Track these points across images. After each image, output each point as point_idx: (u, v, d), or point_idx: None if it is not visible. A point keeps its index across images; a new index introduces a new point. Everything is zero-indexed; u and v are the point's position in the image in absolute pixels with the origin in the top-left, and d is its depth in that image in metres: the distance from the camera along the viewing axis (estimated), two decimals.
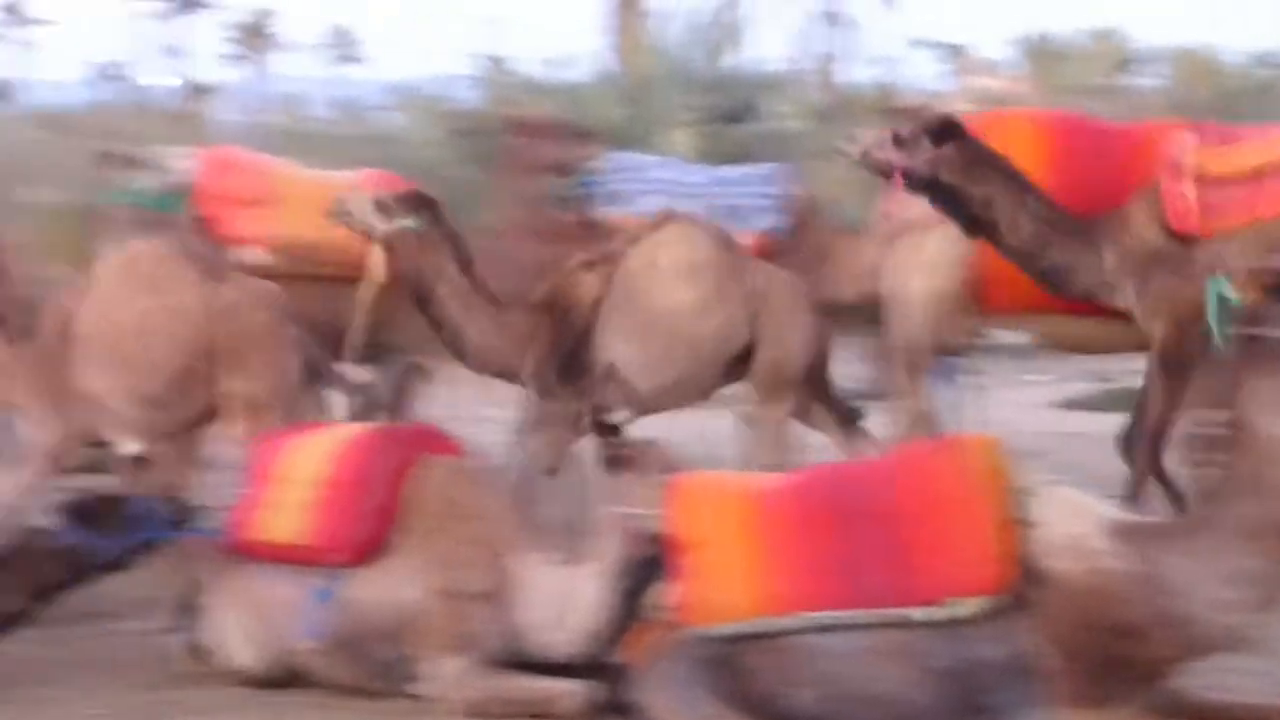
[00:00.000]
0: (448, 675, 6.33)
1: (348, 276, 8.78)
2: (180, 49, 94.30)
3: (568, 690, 6.22)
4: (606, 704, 6.15)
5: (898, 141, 7.80)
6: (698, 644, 5.79)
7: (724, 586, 5.77)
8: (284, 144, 9.86)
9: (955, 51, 52.55)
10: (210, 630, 6.78)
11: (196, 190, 9.25)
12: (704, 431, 8.93)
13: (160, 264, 7.83)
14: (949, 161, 7.74)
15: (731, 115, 17.39)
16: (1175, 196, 7.54)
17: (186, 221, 9.13)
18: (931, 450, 6.13)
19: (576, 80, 19.21)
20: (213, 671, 6.77)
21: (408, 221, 8.10)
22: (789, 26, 62.20)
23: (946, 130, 7.79)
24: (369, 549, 6.51)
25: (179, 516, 6.89)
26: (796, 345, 8.25)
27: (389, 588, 6.46)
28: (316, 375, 8.07)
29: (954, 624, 5.62)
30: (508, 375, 8.34)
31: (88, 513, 6.72)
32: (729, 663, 5.76)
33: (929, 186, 7.82)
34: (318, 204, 8.55)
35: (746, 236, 8.88)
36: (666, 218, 8.40)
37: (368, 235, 8.25)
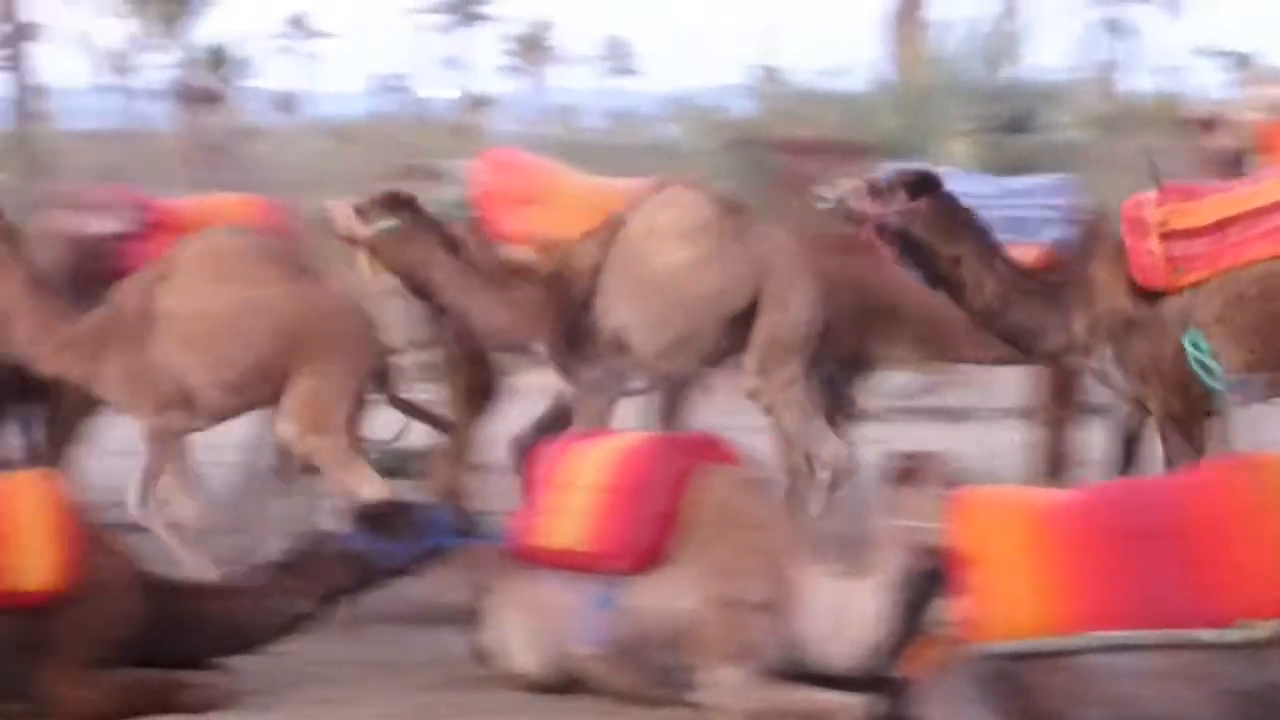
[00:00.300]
0: (726, 684, 6.33)
1: None
2: (459, 61, 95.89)
3: (846, 704, 6.18)
4: (885, 719, 6.10)
5: (873, 191, 7.68)
6: (981, 661, 5.71)
7: (1009, 603, 5.68)
8: (559, 155, 9.92)
9: (1241, 60, 51.37)
10: (492, 634, 6.86)
11: (476, 190, 9.39)
12: (986, 444, 8.84)
13: (244, 258, 7.97)
14: (921, 216, 7.61)
15: (1011, 125, 17.16)
16: (1140, 252, 7.42)
17: (467, 222, 9.28)
18: (1224, 469, 5.98)
19: (852, 90, 19.12)
20: (494, 675, 6.86)
21: (387, 222, 8.17)
22: (1069, 35, 61.43)
23: (923, 184, 7.68)
24: (649, 557, 6.53)
25: (465, 524, 6.99)
26: (798, 309, 8.06)
27: (668, 595, 6.48)
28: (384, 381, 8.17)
29: (1247, 646, 5.48)
30: (520, 349, 8.37)
31: (376, 518, 6.84)
32: (1012, 681, 5.68)
33: (899, 239, 7.68)
34: (586, 206, 8.63)
35: (1032, 249, 8.70)
36: (667, 183, 8.32)
37: (351, 241, 8.30)
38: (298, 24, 78.60)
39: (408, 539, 6.77)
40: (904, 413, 11.94)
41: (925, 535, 6.06)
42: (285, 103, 70.42)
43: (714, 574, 6.40)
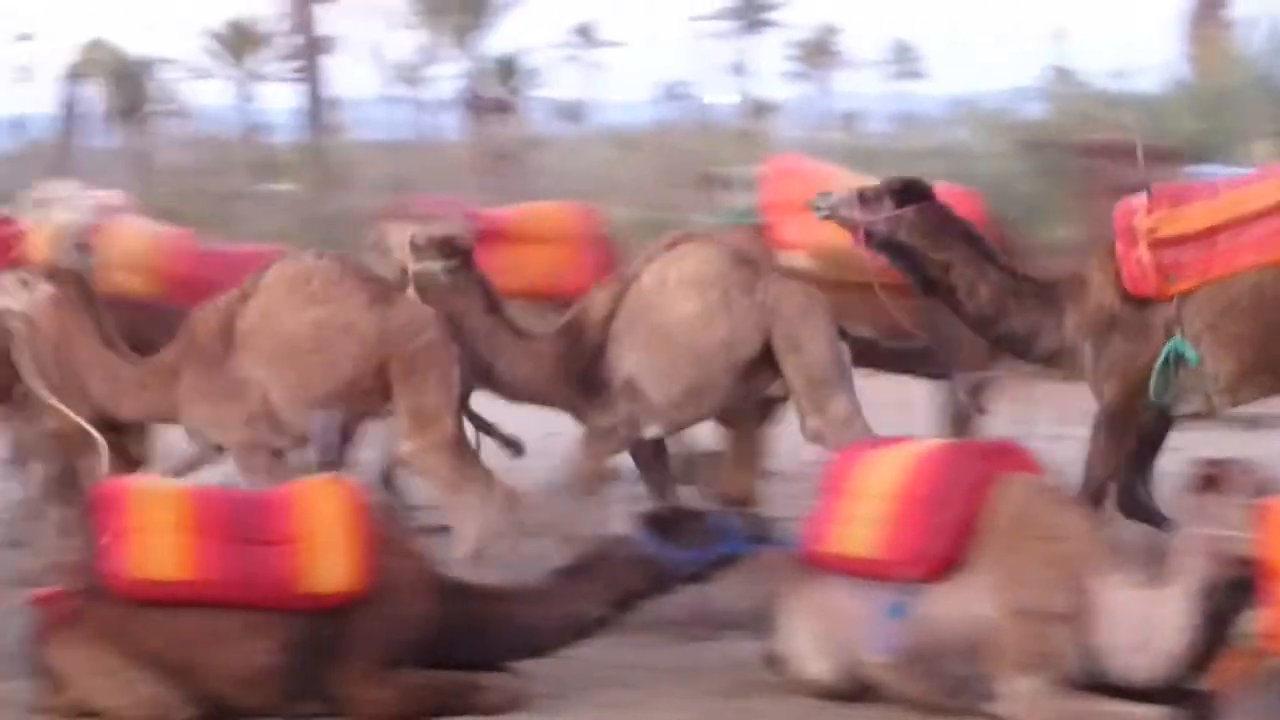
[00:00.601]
0: (1024, 695, 6.20)
1: (891, 284, 8.66)
2: (744, 67, 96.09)
3: (1150, 716, 6.02)
4: None
5: (863, 200, 7.90)
6: None
7: None
8: (844, 160, 9.86)
9: None
10: (783, 640, 6.81)
11: (761, 197, 9.39)
12: None
13: (332, 281, 8.02)
14: (909, 223, 7.82)
15: None
16: (1130, 260, 7.51)
17: (753, 229, 9.27)
18: None
19: (1146, 92, 18.73)
20: (785, 681, 6.81)
21: (434, 265, 8.23)
22: None
23: (910, 192, 7.89)
24: (944, 565, 6.42)
25: (756, 530, 6.95)
26: (813, 348, 8.10)
27: (964, 604, 6.37)
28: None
29: None
30: (543, 401, 8.43)
31: (669, 525, 6.83)
32: None
33: (888, 246, 7.88)
34: None
35: None
36: (681, 238, 8.43)
37: (403, 269, 8.46)
38: (584, 34, 79.43)
39: (699, 545, 6.75)
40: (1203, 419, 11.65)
41: (1231, 544, 5.87)
42: (571, 112, 71.18)
43: (1011, 583, 6.28)
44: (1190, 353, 7.51)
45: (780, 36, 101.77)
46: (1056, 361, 7.91)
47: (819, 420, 8.08)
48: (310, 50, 36.86)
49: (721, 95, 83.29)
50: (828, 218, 8.05)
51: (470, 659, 6.73)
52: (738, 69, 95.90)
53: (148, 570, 6.43)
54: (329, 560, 6.49)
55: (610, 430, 8.25)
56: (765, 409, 9.12)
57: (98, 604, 6.48)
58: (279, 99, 48.76)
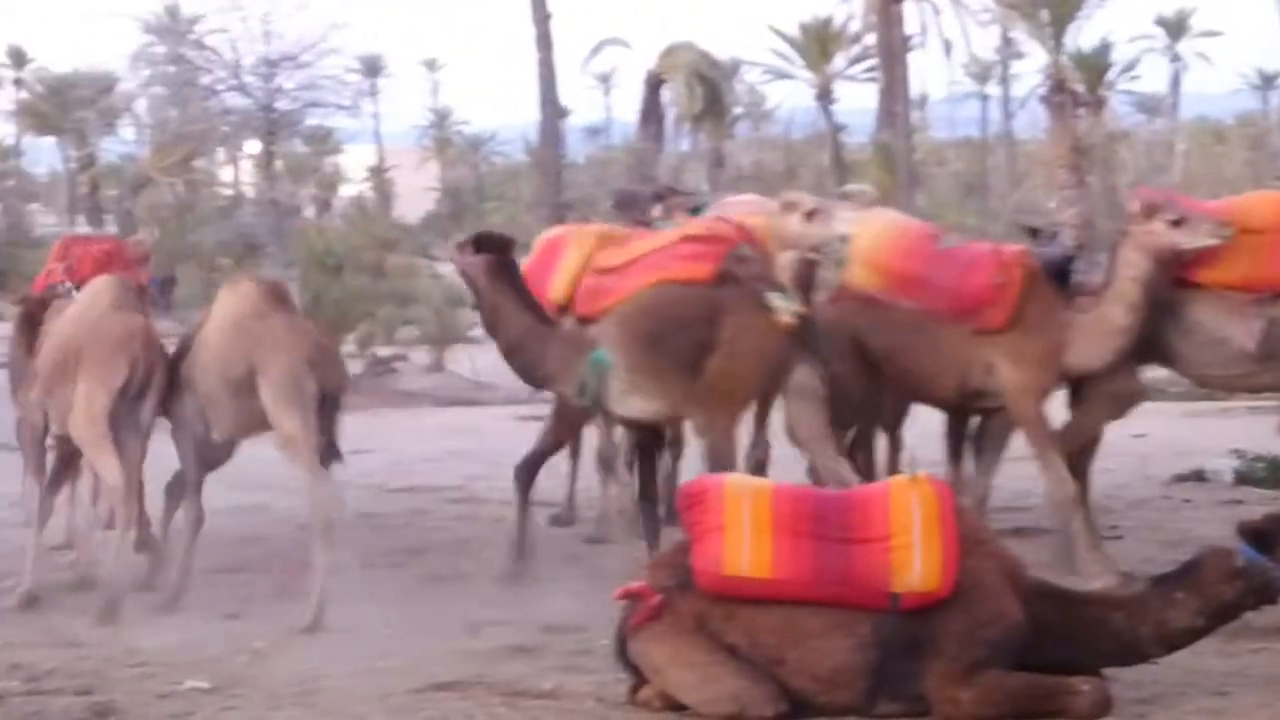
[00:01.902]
0: None
1: None
2: None
3: None
4: None
5: (458, 246, 9.93)
6: None
7: None
8: None
9: None
10: None
11: None
12: None
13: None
14: (477, 268, 9.69)
15: None
16: (583, 286, 9.62)
17: None
18: None
19: None
20: None
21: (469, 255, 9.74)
22: None
23: (485, 244, 9.74)
24: None
25: None
26: (276, 366, 9.08)
27: None
28: None
29: None
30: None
31: (1270, 536, 6.54)
32: None
33: (468, 284, 9.88)
34: None
35: None
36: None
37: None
38: (1172, 24, 77.32)
39: None
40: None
41: None
42: (1154, 105, 69.41)
43: None
44: (605, 360, 9.28)
45: None
46: (549, 385, 9.86)
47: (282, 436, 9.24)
48: (889, 49, 36.90)
49: None
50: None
51: (1059, 662, 6.57)
52: None
53: (736, 567, 6.46)
54: (919, 560, 6.41)
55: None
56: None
57: (684, 599, 6.55)
58: (858, 99, 49.01)
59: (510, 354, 9.70)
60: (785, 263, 9.66)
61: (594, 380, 9.29)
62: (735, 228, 9.50)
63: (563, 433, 10.52)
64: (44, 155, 65.59)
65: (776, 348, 9.11)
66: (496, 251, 9.68)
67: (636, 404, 9.33)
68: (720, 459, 9.05)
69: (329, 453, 9.38)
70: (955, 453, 10.21)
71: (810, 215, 9.62)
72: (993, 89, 65.83)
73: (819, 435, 9.26)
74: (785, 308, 9.02)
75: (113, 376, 9.17)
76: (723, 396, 9.18)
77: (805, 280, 9.66)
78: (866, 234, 9.64)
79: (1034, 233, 12.63)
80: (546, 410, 10.79)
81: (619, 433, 11.24)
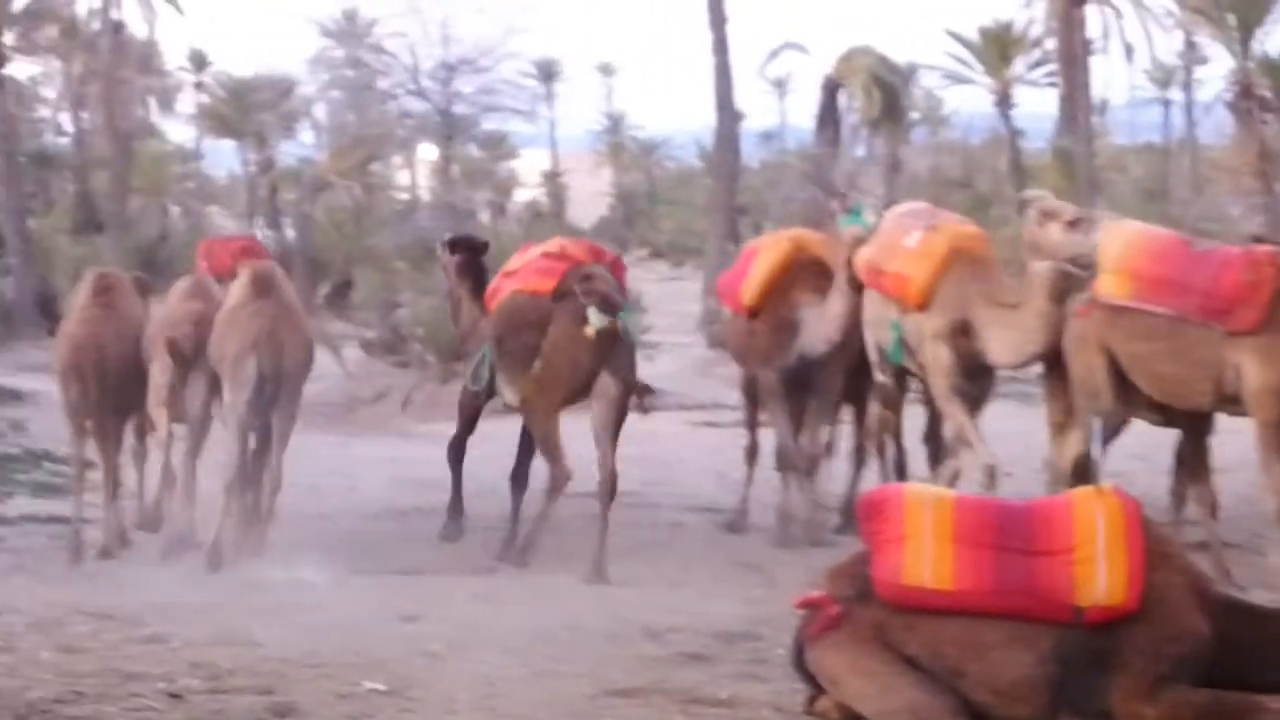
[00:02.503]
0: None
1: None
2: None
3: None
4: None
5: (442, 245, 12.45)
6: None
7: None
8: None
9: None
10: None
11: None
12: None
13: None
14: (450, 265, 12.16)
15: None
16: (491, 287, 11.61)
17: None
18: None
19: None
20: None
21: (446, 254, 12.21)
22: None
23: (459, 245, 12.26)
24: None
25: None
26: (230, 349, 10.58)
27: None
28: None
29: None
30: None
31: None
32: None
33: (445, 277, 12.41)
34: None
35: None
36: None
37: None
38: None
39: None
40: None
41: None
42: None
43: None
44: (489, 352, 11.31)
45: None
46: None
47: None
48: (1069, 53, 36.45)
49: None
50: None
51: (1249, 681, 6.41)
52: None
53: (916, 578, 6.39)
54: (1103, 573, 6.30)
55: None
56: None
57: (864, 609, 6.49)
58: (1036, 104, 48.46)
59: (461, 340, 12.36)
60: (1040, 271, 9.62)
61: (485, 369, 11.29)
62: (588, 249, 11.31)
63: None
64: (223, 158, 66.68)
65: (585, 356, 10.55)
66: (468, 252, 12.17)
67: (506, 393, 11.15)
68: (545, 448, 10.96)
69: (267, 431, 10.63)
70: (1192, 474, 9.99)
71: (1072, 224, 9.58)
72: (1175, 94, 64.93)
73: (609, 434, 10.80)
74: (595, 323, 10.42)
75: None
76: (542, 392, 10.74)
77: (1062, 291, 9.59)
78: (1116, 242, 9.53)
79: (1258, 240, 12.60)
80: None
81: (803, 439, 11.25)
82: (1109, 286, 9.48)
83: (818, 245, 11.39)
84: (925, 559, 6.39)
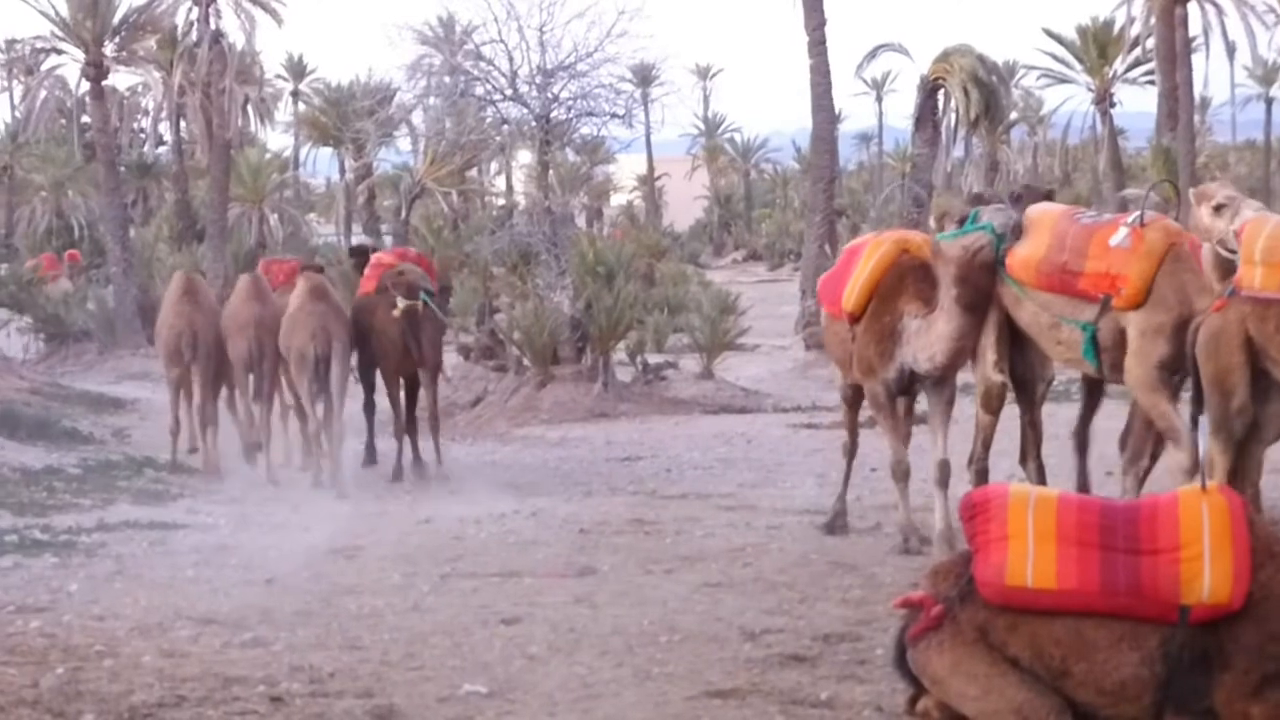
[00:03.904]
0: None
1: None
2: None
3: None
4: None
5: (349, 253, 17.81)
6: None
7: None
8: None
9: None
10: None
11: None
12: None
13: None
14: (352, 270, 15.99)
15: None
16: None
17: None
18: None
19: None
20: None
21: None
22: None
23: (354, 252, 17.14)
24: None
25: None
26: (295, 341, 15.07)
27: None
28: None
29: None
30: None
31: None
32: None
33: None
34: None
35: None
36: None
37: None
38: None
39: None
40: None
41: None
42: None
43: None
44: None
45: None
46: None
47: None
48: (1170, 51, 36.12)
49: None
50: None
51: None
52: None
53: (1020, 578, 6.32)
54: (1209, 571, 6.21)
55: None
56: None
57: (966, 609, 6.42)
58: (1135, 102, 48.05)
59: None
60: (1206, 254, 9.45)
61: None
62: (397, 255, 16.78)
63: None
64: (321, 166, 67.15)
65: (396, 334, 15.21)
66: (361, 257, 16.57)
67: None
68: (390, 401, 15.56)
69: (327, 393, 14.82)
70: None
71: (1217, 209, 9.39)
72: (1277, 91, 64.25)
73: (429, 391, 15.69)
74: (400, 306, 15.08)
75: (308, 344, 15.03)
76: (371, 365, 15.69)
77: (1226, 270, 9.34)
78: (1262, 233, 9.12)
79: None
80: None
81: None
82: (1256, 278, 9.09)
83: (923, 247, 10.93)
84: (1028, 559, 6.32)
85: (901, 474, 10.91)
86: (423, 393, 15.61)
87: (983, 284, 10.38)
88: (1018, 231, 10.23)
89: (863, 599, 9.15)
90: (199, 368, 15.21)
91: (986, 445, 10.82)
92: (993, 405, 10.72)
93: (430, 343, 15.43)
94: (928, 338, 10.63)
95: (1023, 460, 10.89)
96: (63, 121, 51.19)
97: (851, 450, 11.82)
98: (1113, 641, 6.30)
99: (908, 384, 10.97)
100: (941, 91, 29.30)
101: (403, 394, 15.56)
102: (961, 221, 10.55)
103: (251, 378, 15.38)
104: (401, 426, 15.43)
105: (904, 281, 10.84)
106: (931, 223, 11.32)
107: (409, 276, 15.23)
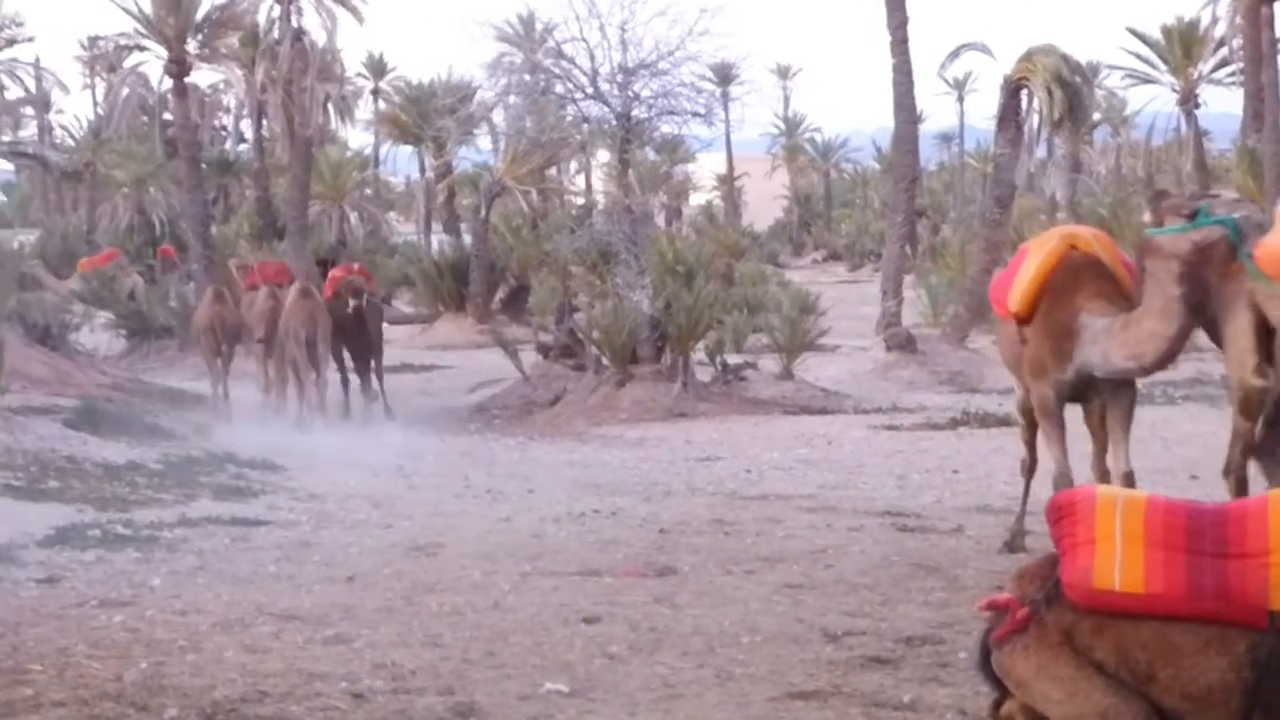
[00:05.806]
0: None
1: None
2: None
3: None
4: None
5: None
6: None
7: None
8: None
9: None
10: None
11: None
12: None
13: None
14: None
15: None
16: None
17: None
18: None
19: None
20: None
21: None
22: None
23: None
24: None
25: None
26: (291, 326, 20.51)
27: None
28: None
29: None
30: None
31: None
32: None
33: None
34: None
35: None
36: None
37: None
38: None
39: None
40: None
41: None
42: None
43: None
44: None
45: None
46: None
47: None
48: (1256, 51, 35.81)
49: None
50: None
51: None
52: None
53: (1106, 581, 6.26)
54: None
55: None
56: None
57: (1052, 612, 6.37)
58: (1220, 103, 47.69)
59: None
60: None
61: None
62: (346, 267, 22.26)
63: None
64: (401, 164, 67.40)
65: (349, 323, 20.56)
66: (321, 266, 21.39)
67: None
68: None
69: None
70: None
71: None
72: None
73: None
74: (351, 304, 20.49)
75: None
76: (340, 346, 20.87)
77: None
78: None
79: None
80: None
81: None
82: None
83: (1093, 243, 10.54)
84: (1115, 562, 6.26)
85: (1065, 485, 10.27)
86: (373, 361, 21.59)
87: (1211, 282, 9.77)
88: (1262, 228, 9.53)
89: (945, 601, 9.10)
90: (220, 342, 21.32)
91: (1245, 454, 10.07)
92: (1253, 411, 9.97)
93: (374, 328, 21.62)
94: (1133, 336, 10.10)
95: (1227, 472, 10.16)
96: (144, 119, 51.55)
97: (1031, 468, 11.20)
98: (1199, 646, 6.24)
99: (1084, 388, 10.52)
100: (1025, 91, 29.09)
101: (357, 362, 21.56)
102: (1191, 216, 9.83)
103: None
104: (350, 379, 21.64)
105: (1079, 278, 10.40)
106: (1146, 217, 10.75)
107: (355, 283, 21.20)
